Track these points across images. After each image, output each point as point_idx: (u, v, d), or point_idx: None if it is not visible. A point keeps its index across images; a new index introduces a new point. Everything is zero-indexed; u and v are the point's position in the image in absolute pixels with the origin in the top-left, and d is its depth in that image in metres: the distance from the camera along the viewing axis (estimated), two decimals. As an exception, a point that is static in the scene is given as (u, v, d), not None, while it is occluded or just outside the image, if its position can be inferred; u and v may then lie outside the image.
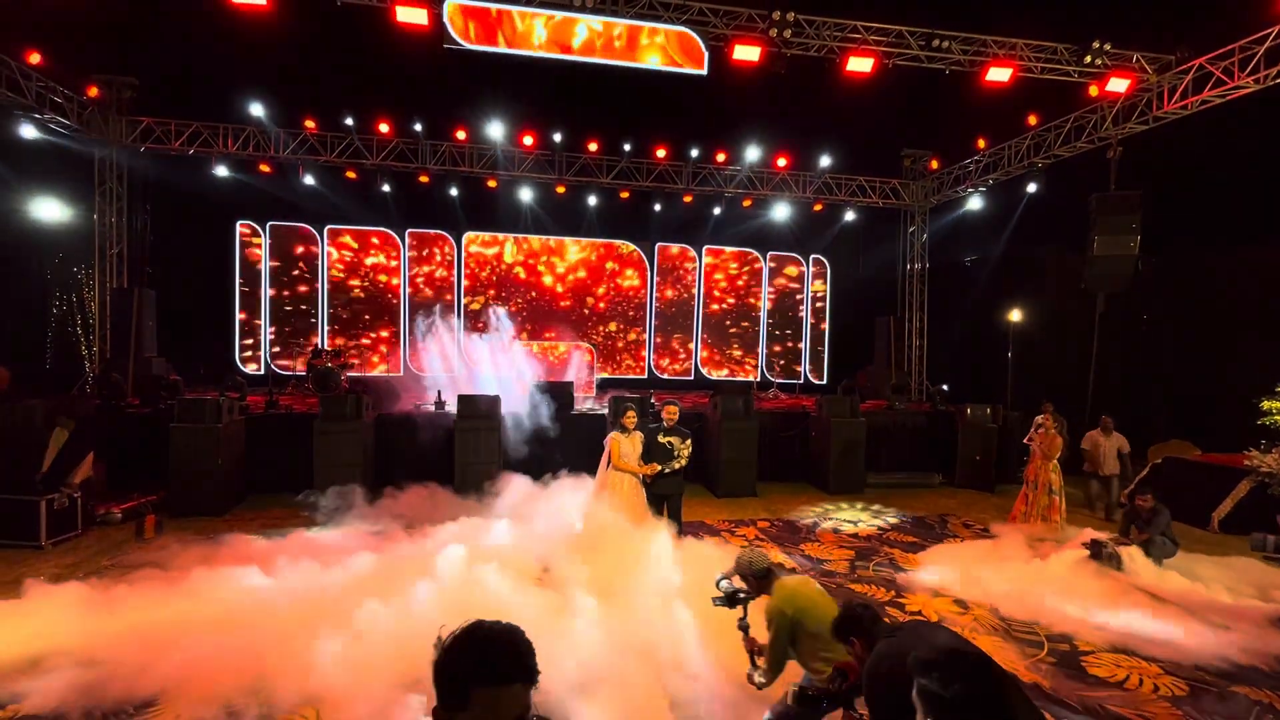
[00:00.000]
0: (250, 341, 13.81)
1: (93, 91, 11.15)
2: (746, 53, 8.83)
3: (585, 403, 11.12)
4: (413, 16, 8.14)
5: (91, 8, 9.09)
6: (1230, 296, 11.25)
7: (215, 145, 12.06)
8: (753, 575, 3.28)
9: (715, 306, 15.88)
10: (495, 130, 12.24)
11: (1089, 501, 8.71)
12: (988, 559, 6.45)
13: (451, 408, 9.27)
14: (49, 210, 11.44)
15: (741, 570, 3.33)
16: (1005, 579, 5.87)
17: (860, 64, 9.03)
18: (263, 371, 13.49)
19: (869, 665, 2.38)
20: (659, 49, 8.90)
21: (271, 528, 7.07)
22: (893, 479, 10.35)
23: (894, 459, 10.62)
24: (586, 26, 8.73)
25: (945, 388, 13.34)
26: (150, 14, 9.71)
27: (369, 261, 14.32)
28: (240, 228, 13.68)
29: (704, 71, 8.98)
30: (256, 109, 11.60)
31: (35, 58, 9.81)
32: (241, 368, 13.55)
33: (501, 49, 8.56)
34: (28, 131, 10.35)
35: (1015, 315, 12.51)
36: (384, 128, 12.31)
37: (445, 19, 8.25)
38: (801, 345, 16.23)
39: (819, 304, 16.30)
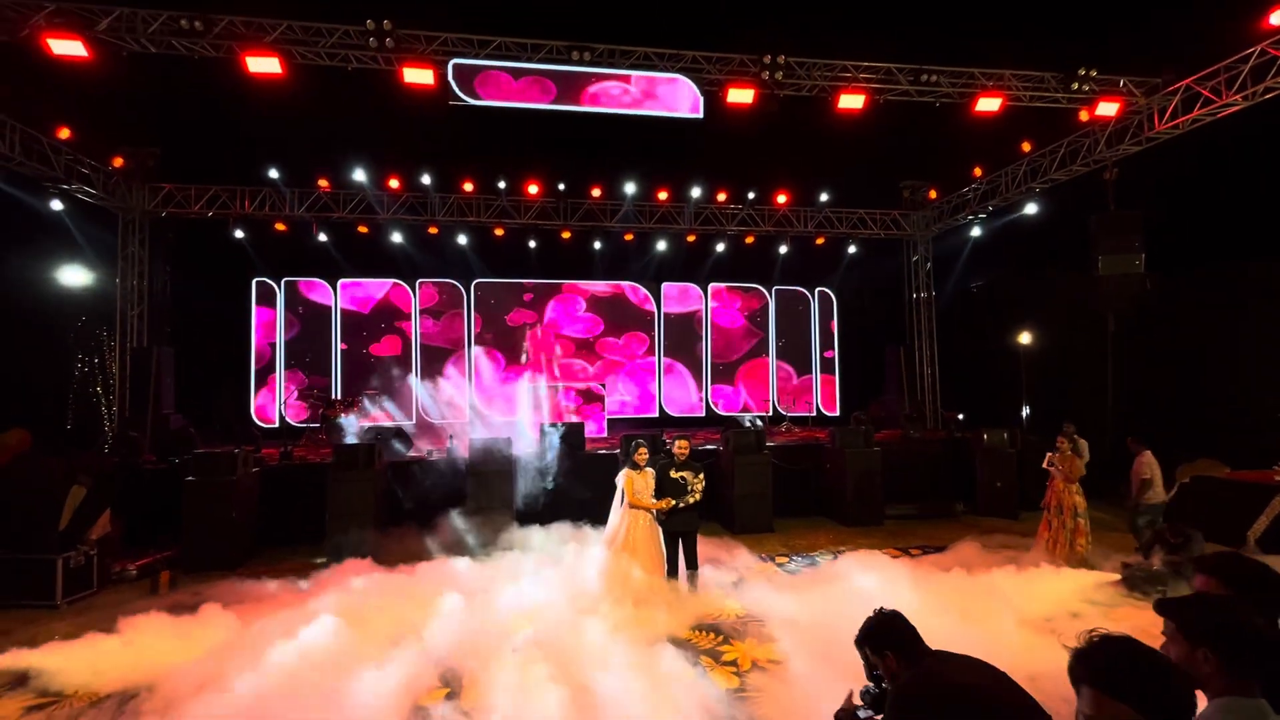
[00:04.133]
0: (266, 395, 13.99)
1: (118, 162, 11.68)
2: (740, 95, 9.12)
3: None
4: (419, 77, 8.53)
5: (119, 85, 9.61)
6: (1245, 311, 11.13)
7: (233, 207, 12.52)
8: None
9: (723, 342, 15.93)
10: (501, 181, 12.64)
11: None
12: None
13: (463, 452, 9.30)
14: (73, 276, 11.84)
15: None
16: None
17: (851, 101, 9.28)
18: (278, 424, 13.62)
19: (905, 687, 2.27)
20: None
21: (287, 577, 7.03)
22: (912, 509, 10.14)
23: (912, 489, 10.42)
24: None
25: (960, 415, 13.19)
26: (175, 87, 10.25)
27: (382, 311, 14.59)
28: (256, 284, 14.05)
29: (700, 115, 9.28)
30: (272, 171, 12.09)
31: (65, 133, 10.34)
32: (258, 421, 13.70)
33: (504, 103, 8.92)
34: (55, 203, 10.85)
35: (1025, 339, 12.44)
36: (394, 183, 12.74)
37: (450, 78, 8.64)
38: (812, 378, 16.17)
39: (827, 336, 16.30)
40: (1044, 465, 7.83)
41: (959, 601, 5.35)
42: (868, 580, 5.99)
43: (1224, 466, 9.50)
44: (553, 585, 6.28)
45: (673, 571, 6.16)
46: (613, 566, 5.87)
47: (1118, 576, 6.10)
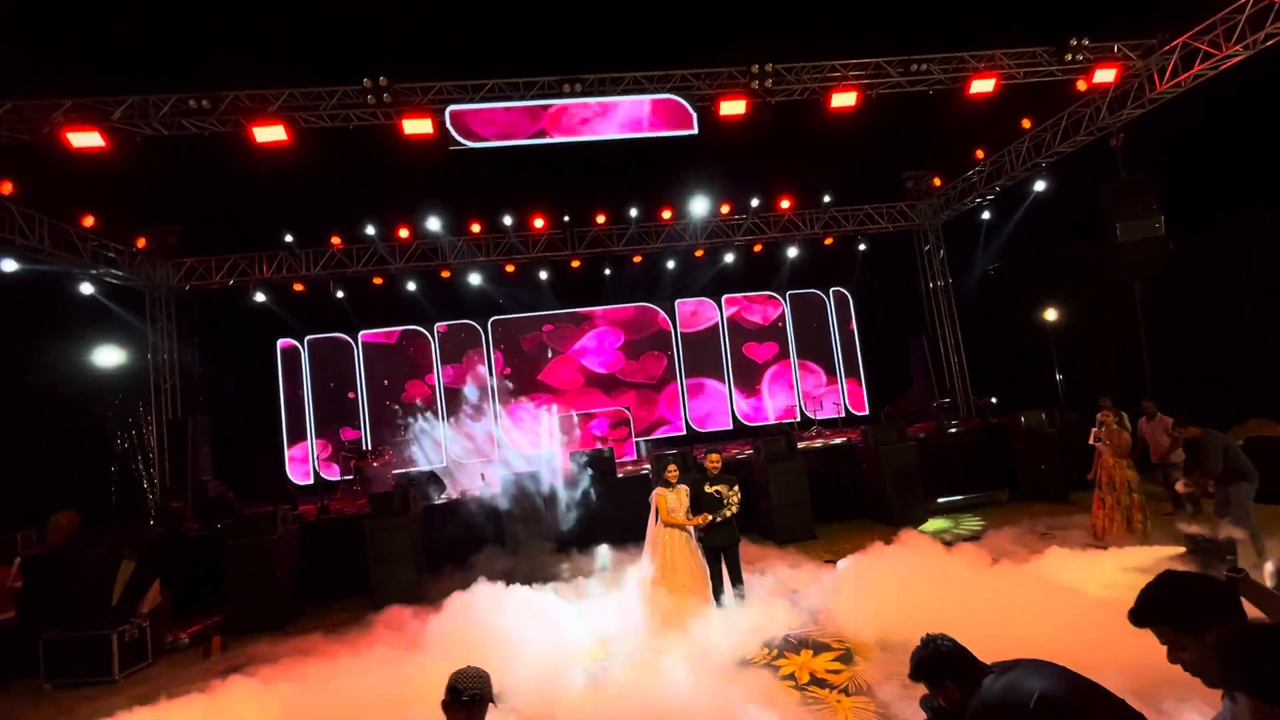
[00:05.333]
0: (299, 452, 14.21)
1: (141, 243, 12.12)
2: (732, 107, 9.20)
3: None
4: (418, 127, 8.75)
5: (136, 168, 10.02)
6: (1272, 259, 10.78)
7: (252, 273, 12.88)
8: None
9: (744, 354, 15.84)
10: (507, 218, 12.85)
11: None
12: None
13: (496, 489, 9.30)
14: (107, 356, 12.24)
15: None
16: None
17: (844, 99, 9.30)
18: (313, 480, 13.81)
19: (979, 710, 2.16)
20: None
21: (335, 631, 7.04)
22: (956, 501, 9.88)
23: (953, 481, 10.17)
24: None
25: (993, 400, 12.90)
26: (188, 164, 10.65)
27: (404, 358, 14.81)
28: (281, 345, 14.37)
29: (694, 130, 9.37)
30: (286, 235, 12.46)
31: (89, 220, 10.78)
32: (294, 479, 13.90)
33: (503, 142, 9.10)
34: (86, 287, 11.28)
35: (1051, 315, 12.19)
36: (404, 232, 13.02)
37: (448, 124, 8.85)
38: (837, 378, 15.97)
39: (847, 336, 16.13)
40: (1090, 442, 7.59)
41: (1017, 593, 5.15)
42: (921, 577, 5.80)
43: (1277, 424, 9.13)
44: (607, 613, 6.21)
45: (718, 588, 6.05)
46: (652, 593, 5.78)
47: (1182, 550, 5.84)
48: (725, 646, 5.25)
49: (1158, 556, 5.91)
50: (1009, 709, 2.04)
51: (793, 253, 14.80)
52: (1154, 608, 1.75)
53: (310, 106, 8.69)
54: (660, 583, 5.79)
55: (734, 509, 6.04)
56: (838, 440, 11.71)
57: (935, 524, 8.98)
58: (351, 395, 14.51)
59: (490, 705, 2.63)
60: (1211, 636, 1.62)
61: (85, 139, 8.07)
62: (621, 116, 9.29)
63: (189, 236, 12.74)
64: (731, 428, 15.40)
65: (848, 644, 5.15)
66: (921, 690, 2.49)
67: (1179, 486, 7.07)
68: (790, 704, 4.34)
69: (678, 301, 15.65)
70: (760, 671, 4.87)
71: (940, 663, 2.34)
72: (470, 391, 14.53)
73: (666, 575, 5.81)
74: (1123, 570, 5.70)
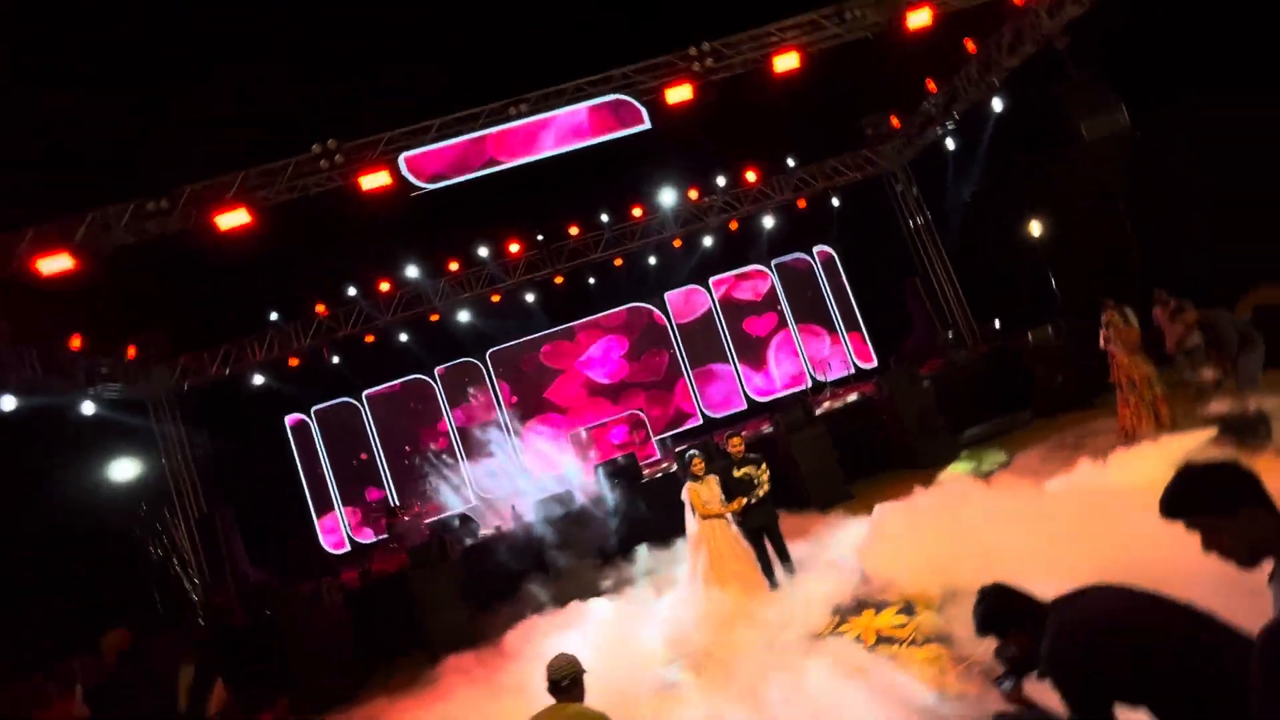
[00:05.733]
0: (330, 522, 14.23)
1: (131, 352, 12.12)
2: (678, 94, 9.18)
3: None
4: (376, 181, 8.75)
5: (111, 280, 10.05)
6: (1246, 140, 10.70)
7: (245, 358, 12.90)
8: None
9: (744, 330, 15.81)
10: (483, 250, 12.88)
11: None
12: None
13: (530, 517, 9.32)
14: (122, 470, 12.26)
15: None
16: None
17: (787, 61, 9.27)
18: (349, 547, 13.84)
19: (1056, 646, 2.09)
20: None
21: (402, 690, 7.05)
22: (981, 431, 9.86)
23: (973, 412, 10.16)
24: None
25: (997, 323, 12.87)
26: (161, 265, 10.67)
27: (412, 408, 14.83)
28: (290, 421, 14.39)
29: (647, 125, 9.36)
30: (272, 314, 12.50)
31: (76, 341, 10.79)
32: (329, 549, 13.92)
33: (465, 176, 9.10)
34: (87, 408, 11.29)
35: (1036, 229, 12.15)
36: (385, 285, 13.03)
37: (404, 172, 8.85)
38: (839, 336, 15.94)
39: (840, 292, 16.09)
40: (1101, 345, 7.54)
41: (1068, 511, 5.12)
42: (966, 515, 5.77)
43: (1281, 288, 9.08)
44: (665, 615, 6.20)
45: (767, 569, 6.05)
46: (706, 588, 5.76)
47: (1215, 432, 5.82)
48: (788, 624, 5.25)
49: (1192, 443, 5.89)
50: (1082, 640, 2.02)
51: (769, 222, 14.76)
52: (1180, 500, 1.77)
53: (266, 184, 8.69)
54: (711, 576, 5.79)
55: (766, 487, 6.04)
56: (853, 397, 11.70)
57: (965, 460, 8.96)
58: (365, 456, 14.51)
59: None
60: (1244, 516, 1.65)
61: (54, 264, 8.08)
62: (561, 128, 9.27)
63: (177, 335, 12.77)
64: (746, 407, 15.38)
65: (905, 596, 5.11)
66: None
67: (1205, 376, 6.99)
68: (866, 667, 4.31)
69: (667, 295, 15.63)
70: (829, 642, 4.85)
71: (1001, 614, 2.34)
72: (482, 429, 14.52)
73: (716, 567, 5.81)
74: (1163, 463, 5.68)
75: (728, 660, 4.94)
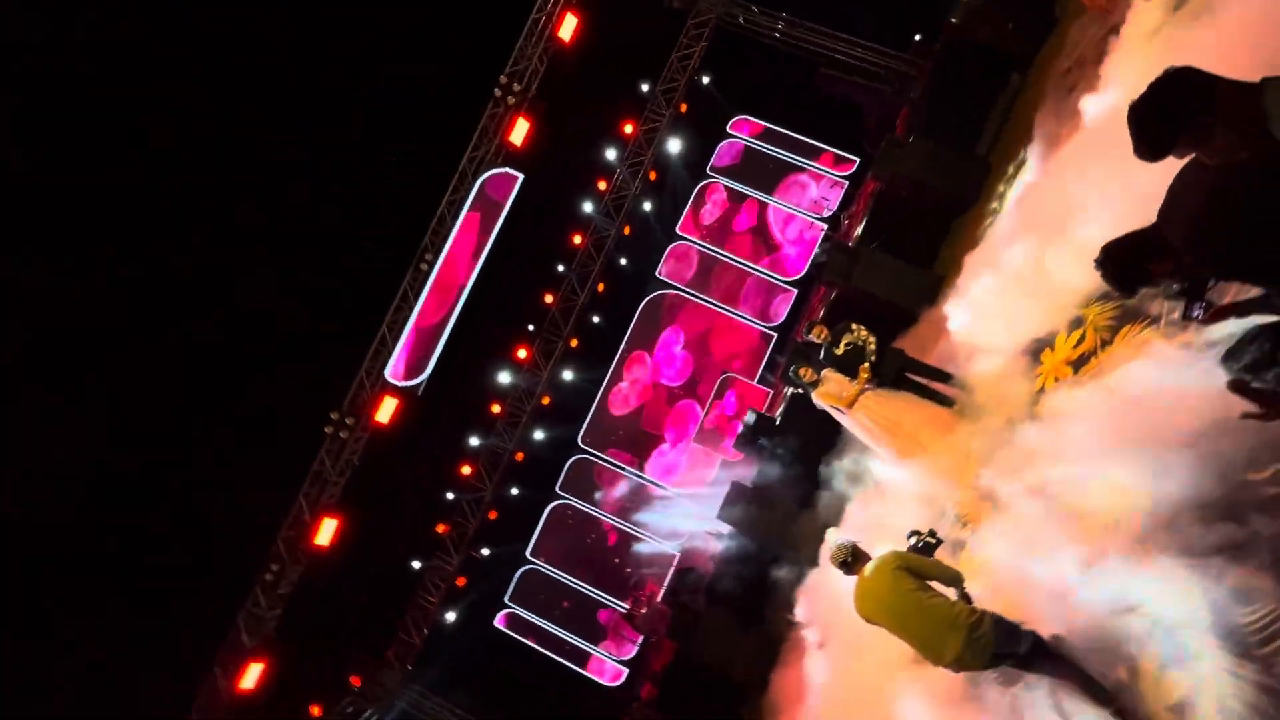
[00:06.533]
0: (595, 665, 14.65)
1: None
2: (517, 135, 9.20)
3: None
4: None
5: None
6: None
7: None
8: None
9: (737, 238, 15.52)
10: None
11: None
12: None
13: (727, 528, 9.37)
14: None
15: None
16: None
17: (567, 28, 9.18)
18: (626, 673, 14.18)
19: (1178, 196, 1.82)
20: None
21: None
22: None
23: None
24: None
25: (917, 37, 12.12)
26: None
27: (567, 530, 15.17)
28: (500, 622, 14.97)
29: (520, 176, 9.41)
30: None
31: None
32: (610, 684, 14.23)
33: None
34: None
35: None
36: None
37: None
38: (812, 170, 15.42)
39: (778, 136, 15.55)
40: None
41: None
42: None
43: None
44: (902, 493, 6.05)
45: (935, 396, 5.87)
46: (912, 461, 5.57)
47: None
48: (995, 418, 5.07)
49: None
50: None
51: (676, 145, 14.55)
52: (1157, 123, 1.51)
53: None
54: (901, 444, 5.64)
55: (872, 341, 5.89)
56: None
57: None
58: (568, 603, 14.80)
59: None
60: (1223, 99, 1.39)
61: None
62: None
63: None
64: (796, 292, 15.04)
65: (1063, 308, 4.79)
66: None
67: None
68: (1094, 392, 4.06)
69: (661, 273, 15.50)
70: (1043, 404, 4.60)
71: (1127, 263, 2.02)
72: (630, 499, 14.67)
73: (898, 435, 5.61)
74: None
75: (985, 487, 4.77)
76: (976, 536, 4.72)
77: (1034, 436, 4.46)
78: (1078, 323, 4.65)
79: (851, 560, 3.56)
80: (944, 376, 5.96)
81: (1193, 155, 1.58)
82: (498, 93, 9.53)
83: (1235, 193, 1.60)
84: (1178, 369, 3.21)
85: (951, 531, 5.00)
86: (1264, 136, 1.42)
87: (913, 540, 3.67)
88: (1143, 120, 1.57)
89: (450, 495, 13.41)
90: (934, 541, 3.68)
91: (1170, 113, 1.57)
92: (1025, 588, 3.72)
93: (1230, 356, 2.04)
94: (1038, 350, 4.98)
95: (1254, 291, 1.93)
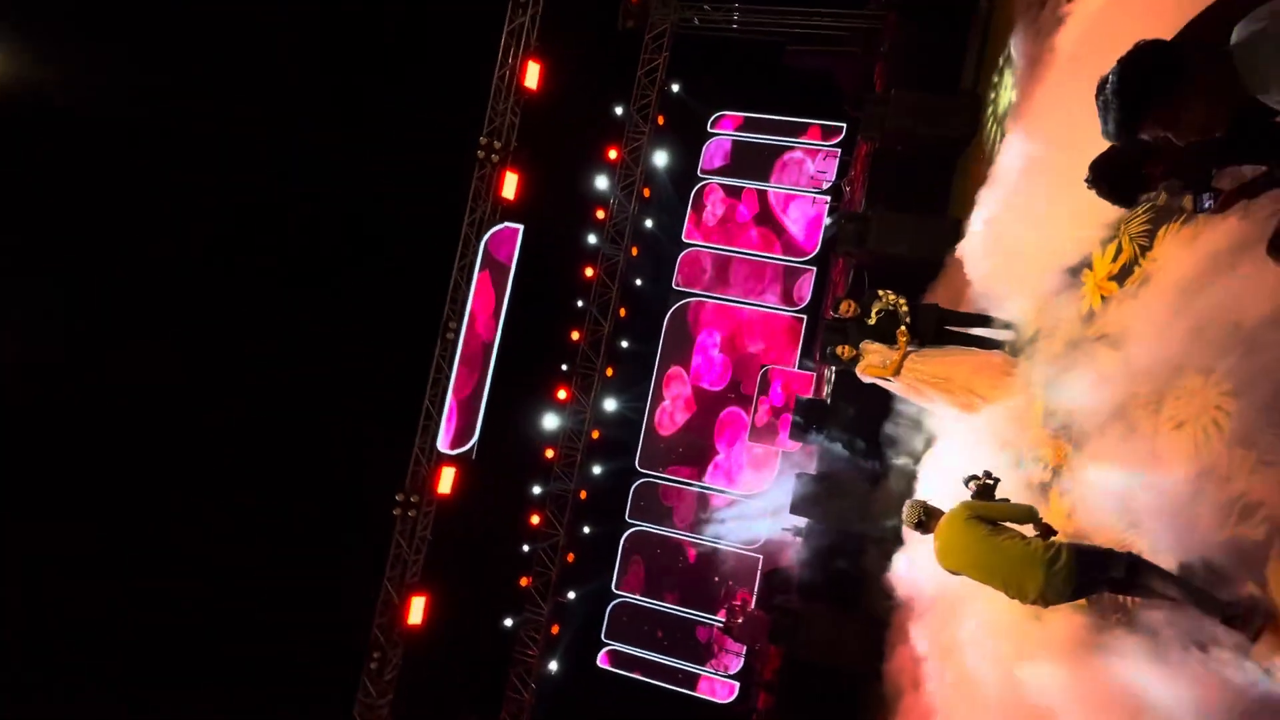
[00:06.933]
0: (705, 685, 14.48)
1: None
2: (508, 189, 9.39)
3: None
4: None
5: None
6: None
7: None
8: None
9: (747, 230, 15.47)
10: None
11: None
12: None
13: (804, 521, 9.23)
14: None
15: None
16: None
17: (532, 76, 9.40)
18: (739, 689, 13.95)
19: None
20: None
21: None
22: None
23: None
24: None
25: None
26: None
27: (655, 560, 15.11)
28: (602, 661, 14.93)
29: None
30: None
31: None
32: (725, 702, 14.01)
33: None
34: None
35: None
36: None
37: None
38: (801, 149, 15.32)
39: (759, 123, 15.52)
40: None
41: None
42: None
43: None
44: (973, 440, 5.85)
45: (980, 343, 5.72)
46: (974, 411, 5.42)
47: None
48: (1045, 343, 4.90)
49: None
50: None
51: (662, 158, 14.68)
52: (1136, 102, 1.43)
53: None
54: (959, 400, 5.48)
55: (903, 303, 5.78)
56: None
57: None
58: (661, 632, 14.68)
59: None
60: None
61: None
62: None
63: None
64: (815, 269, 14.87)
65: (1092, 224, 4.61)
66: None
67: None
68: (1144, 301, 3.92)
69: (677, 283, 15.49)
70: (1098, 323, 4.44)
71: (1117, 171, 2.00)
72: (702, 512, 14.57)
73: (957, 393, 5.41)
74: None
75: (1057, 422, 4.59)
76: (1060, 474, 4.54)
77: (1097, 358, 4.29)
78: (1111, 237, 4.48)
79: (925, 518, 3.60)
80: (985, 321, 5.80)
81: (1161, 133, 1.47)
82: (480, 154, 9.78)
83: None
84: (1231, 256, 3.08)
85: (1034, 475, 4.82)
86: (1236, 99, 1.38)
87: (970, 486, 3.72)
88: (1122, 99, 1.47)
89: (526, 547, 13.54)
90: (990, 482, 3.72)
91: (1147, 89, 1.47)
92: (1125, 514, 3.57)
93: (1273, 248, 1.98)
94: (1076, 272, 4.81)
95: (1258, 170, 1.87)
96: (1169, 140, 1.49)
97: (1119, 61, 1.52)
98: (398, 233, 9.96)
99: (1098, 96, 1.50)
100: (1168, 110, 1.42)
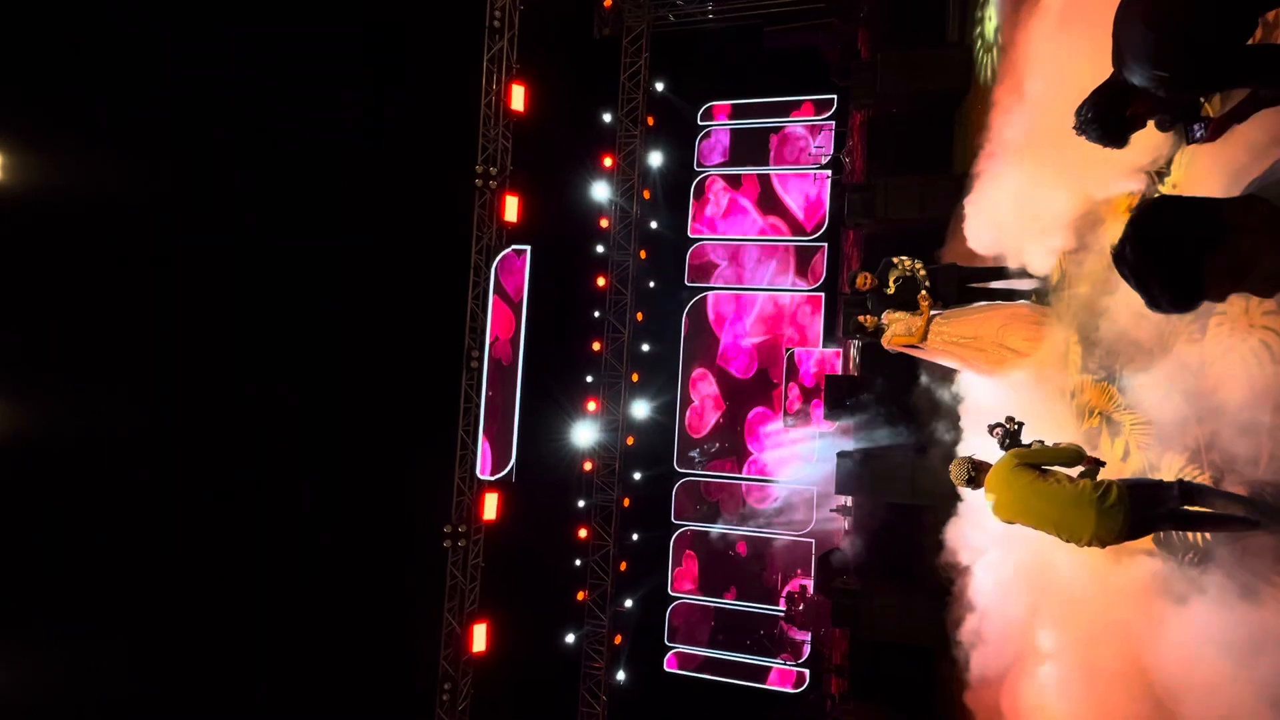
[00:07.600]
0: (773, 676, 14.36)
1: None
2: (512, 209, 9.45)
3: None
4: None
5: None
6: None
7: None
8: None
9: (751, 213, 15.37)
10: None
11: None
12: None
13: (850, 500, 9.11)
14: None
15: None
16: None
17: (517, 99, 9.49)
18: (809, 677, 13.82)
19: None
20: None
21: None
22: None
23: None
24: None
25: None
26: None
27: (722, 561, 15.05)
28: (669, 665, 14.92)
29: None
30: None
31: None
32: (792, 691, 13.89)
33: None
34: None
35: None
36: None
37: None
38: (798, 128, 15.18)
39: (751, 109, 15.43)
40: None
41: None
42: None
43: None
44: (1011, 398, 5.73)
45: (1005, 295, 5.60)
46: (1014, 368, 5.31)
47: None
48: (1073, 288, 4.76)
49: None
50: None
51: (657, 157, 14.68)
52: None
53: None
54: (990, 359, 5.34)
55: (920, 266, 5.69)
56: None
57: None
58: (725, 626, 14.62)
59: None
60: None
61: None
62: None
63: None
64: (826, 244, 14.68)
65: (1103, 161, 4.47)
66: None
67: None
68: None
69: (690, 278, 15.45)
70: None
71: (1105, 114, 2.00)
72: (742, 505, 14.50)
73: (989, 350, 5.27)
74: None
75: (1098, 366, 4.46)
76: (1108, 418, 4.41)
77: (1130, 294, 4.14)
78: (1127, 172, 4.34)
79: (974, 473, 3.56)
80: (1005, 273, 5.67)
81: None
82: (479, 182, 9.90)
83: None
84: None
85: (1081, 422, 4.70)
86: None
87: (995, 433, 3.85)
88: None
89: (578, 561, 13.59)
90: (1014, 427, 3.84)
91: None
92: (1182, 449, 3.47)
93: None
94: (1095, 209, 4.68)
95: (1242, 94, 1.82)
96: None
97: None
98: (410, 272, 10.11)
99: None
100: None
